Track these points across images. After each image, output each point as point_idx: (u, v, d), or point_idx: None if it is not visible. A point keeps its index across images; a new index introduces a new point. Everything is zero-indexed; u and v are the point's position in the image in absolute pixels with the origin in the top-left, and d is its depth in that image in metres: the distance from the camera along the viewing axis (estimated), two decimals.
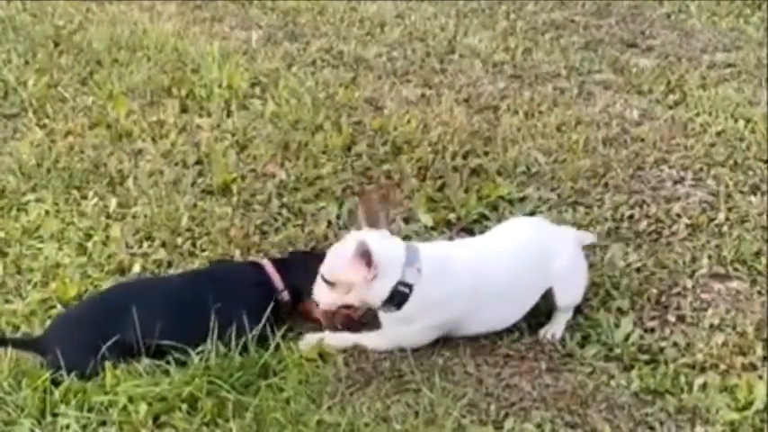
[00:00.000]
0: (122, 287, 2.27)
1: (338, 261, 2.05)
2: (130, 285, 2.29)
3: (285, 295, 2.21)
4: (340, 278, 2.05)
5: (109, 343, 1.99)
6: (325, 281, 2.07)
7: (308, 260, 2.20)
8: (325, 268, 2.08)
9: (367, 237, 2.04)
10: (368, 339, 2.16)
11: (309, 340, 2.15)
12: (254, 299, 2.13)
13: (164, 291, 2.17)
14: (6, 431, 1.91)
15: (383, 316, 2.14)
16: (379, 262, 1.99)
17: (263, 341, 2.10)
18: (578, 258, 2.29)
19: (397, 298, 2.04)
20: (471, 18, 4.44)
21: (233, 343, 2.04)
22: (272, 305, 2.13)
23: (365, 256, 1.99)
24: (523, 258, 2.19)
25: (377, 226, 2.10)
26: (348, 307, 2.14)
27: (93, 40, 3.95)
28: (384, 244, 2.05)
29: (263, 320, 2.08)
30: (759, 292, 2.39)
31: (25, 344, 2.07)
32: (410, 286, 2.04)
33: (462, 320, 2.14)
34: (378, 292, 2.04)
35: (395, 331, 2.14)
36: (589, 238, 2.47)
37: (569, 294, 2.25)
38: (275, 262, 2.27)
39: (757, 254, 2.53)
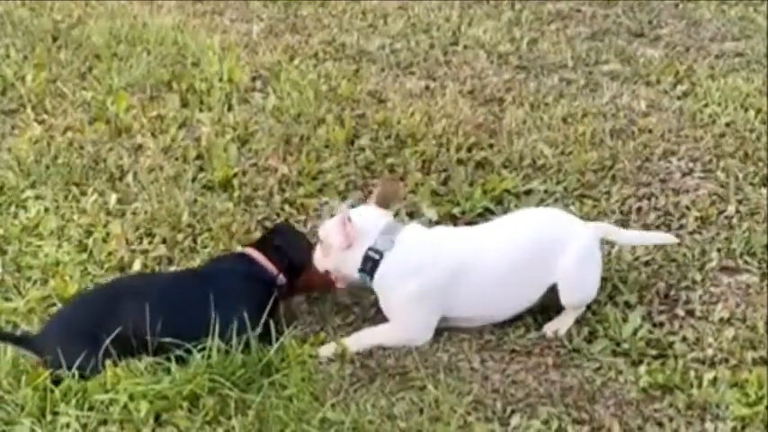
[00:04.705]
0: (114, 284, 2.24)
1: (327, 224, 2.20)
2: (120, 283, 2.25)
3: (281, 278, 2.20)
4: (326, 240, 2.17)
5: (108, 340, 1.97)
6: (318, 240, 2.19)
7: (289, 232, 2.25)
8: (321, 228, 2.22)
9: (358, 210, 2.19)
10: (382, 334, 2.15)
11: (329, 348, 2.13)
12: (256, 295, 2.11)
13: (158, 289, 2.13)
14: (7, 430, 1.89)
15: (381, 300, 2.16)
16: (355, 234, 2.11)
17: (264, 337, 2.07)
18: (589, 257, 2.23)
19: (369, 264, 2.11)
20: (476, 8, 4.39)
21: (234, 340, 2.02)
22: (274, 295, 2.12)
23: (343, 225, 2.10)
24: (520, 247, 2.19)
25: (383, 207, 2.21)
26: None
27: (93, 35, 3.92)
28: (366, 216, 2.16)
29: (265, 314, 2.07)
30: None
31: (20, 341, 2.05)
32: (380, 253, 2.11)
33: (452, 297, 2.13)
34: (351, 262, 2.14)
35: (398, 313, 2.13)
36: (612, 232, 2.36)
37: (575, 293, 2.21)
38: (259, 246, 2.25)
39: (767, 246, 2.50)
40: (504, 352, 2.14)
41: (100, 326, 1.99)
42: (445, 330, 2.20)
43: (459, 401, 1.96)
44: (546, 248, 2.18)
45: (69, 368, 1.95)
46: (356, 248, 2.12)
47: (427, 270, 2.11)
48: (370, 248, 2.12)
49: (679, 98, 3.43)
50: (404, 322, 2.15)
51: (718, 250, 2.49)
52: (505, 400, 1.99)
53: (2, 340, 2.04)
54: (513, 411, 1.96)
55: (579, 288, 2.21)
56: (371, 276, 2.12)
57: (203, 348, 2.00)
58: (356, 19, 4.27)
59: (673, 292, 2.34)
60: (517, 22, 4.22)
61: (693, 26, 4.21)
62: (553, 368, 2.09)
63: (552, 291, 2.22)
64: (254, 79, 3.54)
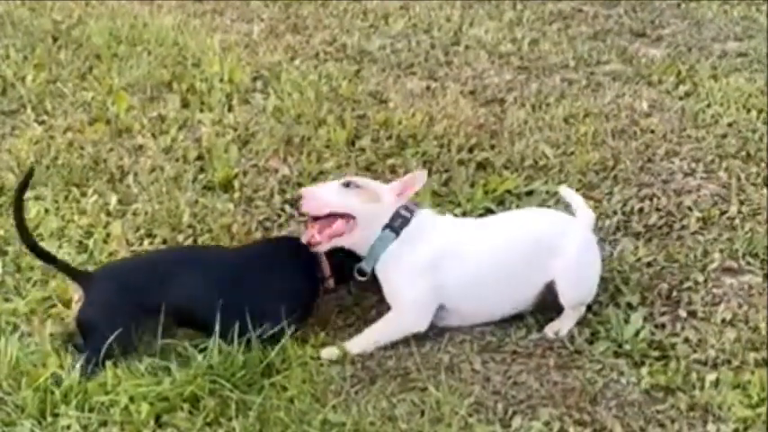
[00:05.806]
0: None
1: (375, 182, 2.27)
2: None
3: (331, 282, 2.18)
4: (372, 186, 2.22)
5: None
6: (347, 184, 2.20)
7: None
8: (357, 178, 2.29)
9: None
10: (382, 329, 2.14)
11: (331, 351, 2.12)
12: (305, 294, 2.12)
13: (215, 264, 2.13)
14: None
15: (387, 283, 2.16)
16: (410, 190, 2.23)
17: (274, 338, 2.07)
18: (587, 256, 2.23)
19: (398, 221, 2.17)
20: (477, 8, 4.38)
21: (236, 341, 2.01)
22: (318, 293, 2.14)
23: (407, 186, 2.21)
24: (515, 243, 2.20)
25: None
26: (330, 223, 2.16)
27: (93, 35, 3.92)
28: None
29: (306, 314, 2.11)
30: None
31: (71, 271, 2.10)
32: (412, 212, 2.21)
33: (450, 282, 2.14)
34: (387, 213, 2.19)
35: (400, 297, 2.13)
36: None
37: (573, 292, 2.20)
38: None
39: None
40: (505, 353, 2.13)
41: (145, 302, 1.99)
42: (446, 332, 2.19)
43: (460, 403, 1.95)
44: (543, 246, 2.18)
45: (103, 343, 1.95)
46: (394, 204, 2.18)
47: (434, 237, 2.17)
48: (403, 206, 2.19)
49: (681, 98, 3.42)
50: (403, 299, 2.14)
51: (721, 251, 2.49)
52: (507, 402, 1.98)
53: (54, 265, 2.08)
54: (514, 413, 1.95)
55: (577, 286, 2.20)
56: (397, 234, 2.15)
57: (204, 349, 2.00)
58: (357, 19, 4.26)
59: (675, 294, 2.33)
60: (518, 22, 4.21)
61: (696, 26, 4.21)
62: (554, 369, 2.08)
63: (553, 292, 2.21)
64: (254, 80, 3.54)
